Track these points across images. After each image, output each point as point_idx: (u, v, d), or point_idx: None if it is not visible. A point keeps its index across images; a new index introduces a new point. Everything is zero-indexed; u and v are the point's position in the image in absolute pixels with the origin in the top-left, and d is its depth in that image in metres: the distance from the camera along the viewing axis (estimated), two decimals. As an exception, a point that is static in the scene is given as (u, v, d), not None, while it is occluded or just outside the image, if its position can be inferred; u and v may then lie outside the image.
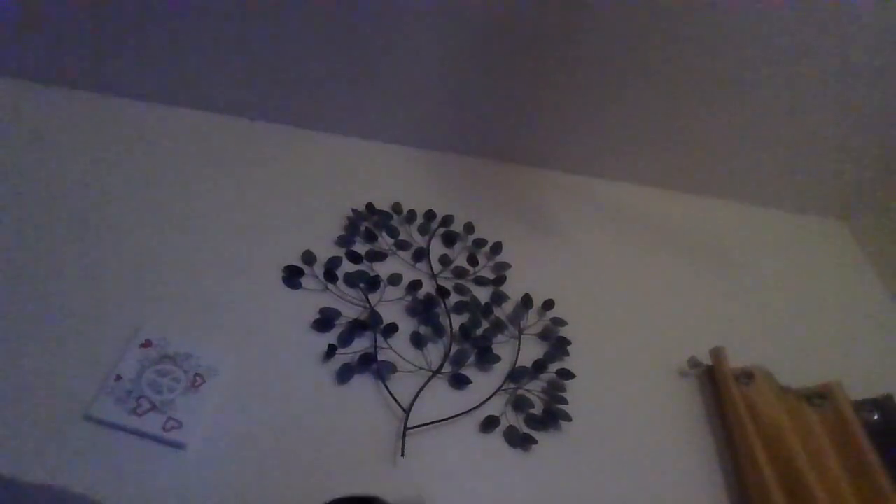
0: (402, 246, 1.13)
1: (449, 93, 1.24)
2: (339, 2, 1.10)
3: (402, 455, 0.86)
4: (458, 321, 1.03)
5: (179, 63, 1.21)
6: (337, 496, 0.56)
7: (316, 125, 1.30)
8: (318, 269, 1.06)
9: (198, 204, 1.12)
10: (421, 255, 1.12)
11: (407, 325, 1.01)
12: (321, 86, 1.23)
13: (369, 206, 1.18)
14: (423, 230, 1.18)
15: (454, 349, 0.99)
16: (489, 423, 0.91)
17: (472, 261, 1.13)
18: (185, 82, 1.24)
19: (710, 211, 1.36)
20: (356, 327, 0.98)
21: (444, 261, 1.12)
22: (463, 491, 0.86)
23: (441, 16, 1.11)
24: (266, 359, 0.93)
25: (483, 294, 1.09)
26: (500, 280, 1.11)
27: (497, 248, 1.16)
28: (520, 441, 0.91)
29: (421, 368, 0.96)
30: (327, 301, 1.02)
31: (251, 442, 0.84)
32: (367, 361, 0.94)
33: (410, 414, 0.90)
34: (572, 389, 0.98)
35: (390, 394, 0.92)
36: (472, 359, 0.99)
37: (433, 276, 1.10)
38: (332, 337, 0.97)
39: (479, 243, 1.17)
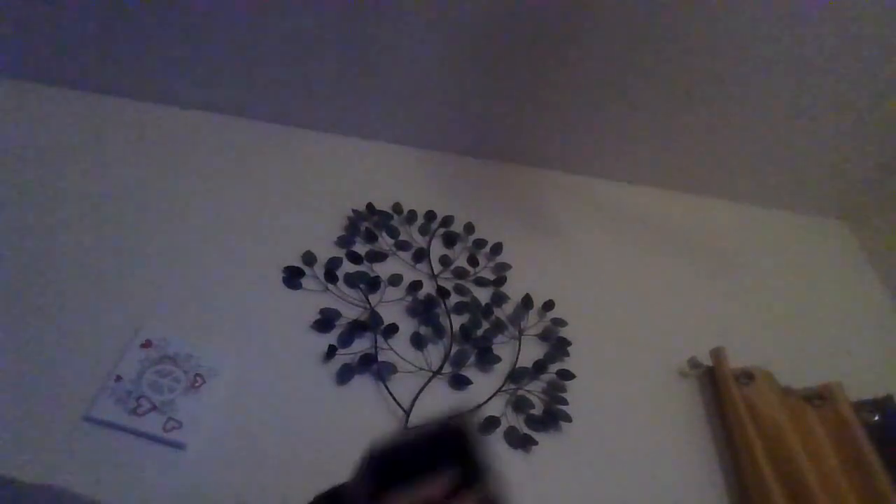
0: (402, 246, 1.13)
1: (449, 93, 1.24)
2: (339, 3, 1.10)
3: (403, 455, 0.86)
4: (458, 322, 1.03)
5: (179, 63, 1.21)
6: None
7: (316, 125, 1.30)
8: (319, 269, 1.06)
9: (198, 204, 1.12)
10: (421, 255, 1.12)
11: (407, 326, 1.01)
12: (322, 86, 1.23)
13: (369, 206, 1.18)
14: (423, 231, 1.18)
15: (454, 350, 0.99)
16: (489, 424, 0.91)
17: (473, 261, 1.13)
18: (184, 82, 1.25)
19: (710, 211, 1.36)
20: (356, 328, 0.98)
21: (445, 261, 1.12)
22: None
23: (441, 17, 1.11)
24: (266, 359, 0.93)
25: (483, 295, 1.09)
26: (500, 281, 1.11)
27: (497, 248, 1.16)
28: (520, 442, 0.91)
29: (421, 369, 0.96)
30: (327, 301, 1.02)
31: (251, 442, 0.84)
32: (368, 362, 0.94)
33: (411, 414, 0.90)
34: (572, 390, 0.98)
35: (391, 394, 0.92)
36: (472, 359, 0.99)
37: (433, 277, 1.10)
38: (332, 337, 0.97)
39: (480, 244, 1.17)
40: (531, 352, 1.02)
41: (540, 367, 1.00)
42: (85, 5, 1.13)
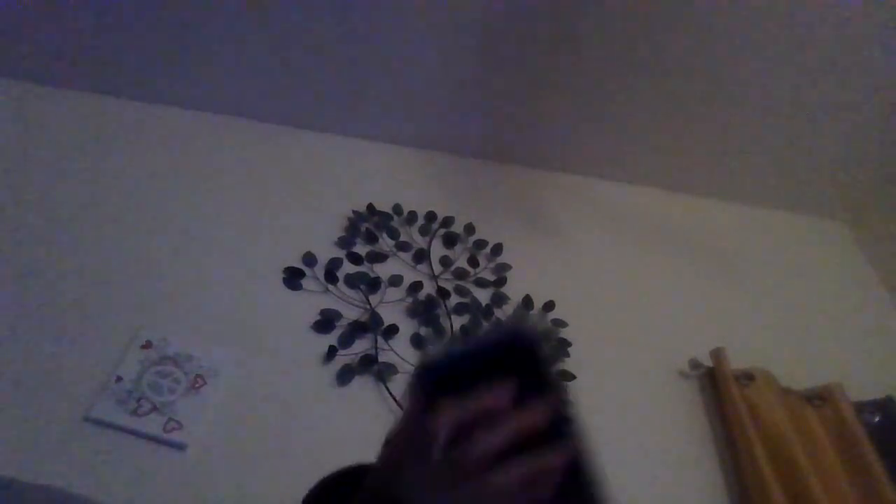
0: (402, 247, 1.13)
1: (449, 94, 1.24)
2: (340, 4, 1.10)
3: (403, 456, 0.85)
4: (458, 322, 1.03)
5: (180, 64, 1.21)
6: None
7: (317, 126, 1.30)
8: (319, 270, 1.06)
9: (198, 205, 1.12)
10: (421, 256, 1.12)
11: (408, 327, 1.01)
12: (322, 87, 1.23)
13: (370, 207, 1.18)
14: (423, 231, 1.17)
15: (455, 350, 0.99)
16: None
17: (473, 262, 1.13)
18: (185, 83, 1.24)
19: (711, 212, 1.36)
20: (357, 329, 0.98)
21: (445, 262, 1.12)
22: None
23: (441, 18, 1.11)
24: (267, 360, 0.93)
25: (484, 295, 1.08)
26: (500, 281, 1.11)
27: (498, 249, 1.16)
28: (520, 442, 0.91)
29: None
30: (328, 302, 1.02)
31: (251, 443, 0.84)
32: (368, 363, 0.94)
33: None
34: (573, 391, 0.98)
35: (391, 395, 0.92)
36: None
37: (434, 278, 1.10)
38: (332, 338, 0.97)
39: (480, 244, 1.17)
40: (531, 353, 1.02)
41: (540, 367, 0.99)
42: (85, 6, 1.13)
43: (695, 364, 1.04)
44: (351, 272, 1.07)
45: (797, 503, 0.84)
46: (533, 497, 0.38)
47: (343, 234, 1.13)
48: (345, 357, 0.95)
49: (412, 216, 1.19)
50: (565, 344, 1.04)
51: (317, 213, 1.15)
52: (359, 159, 1.29)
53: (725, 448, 0.96)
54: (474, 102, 1.25)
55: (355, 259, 1.09)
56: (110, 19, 1.15)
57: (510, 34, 1.13)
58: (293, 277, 1.04)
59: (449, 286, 1.08)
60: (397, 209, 1.19)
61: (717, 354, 1.03)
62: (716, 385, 1.02)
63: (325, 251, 1.09)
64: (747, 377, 0.99)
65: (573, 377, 0.99)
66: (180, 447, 0.81)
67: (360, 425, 0.88)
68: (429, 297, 1.06)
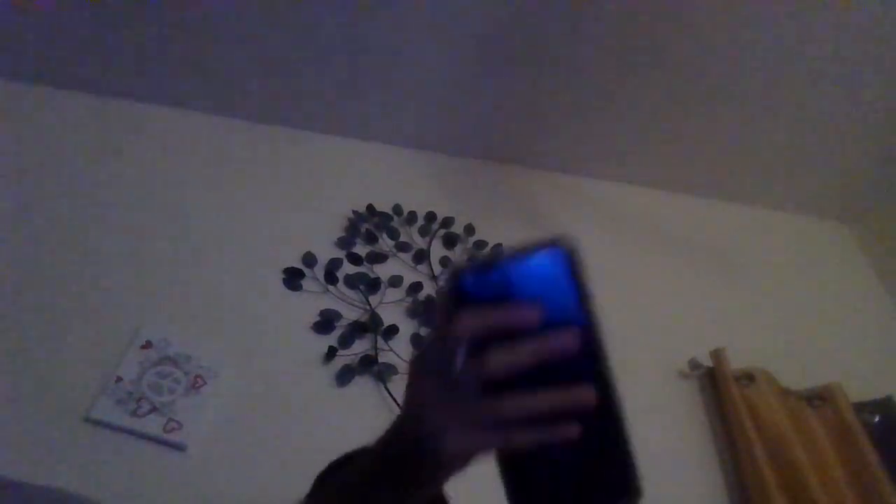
0: (402, 248, 1.13)
1: (449, 95, 1.24)
2: (340, 5, 1.11)
3: (403, 457, 0.85)
4: (458, 323, 1.03)
5: (180, 64, 1.21)
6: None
7: (317, 127, 1.30)
8: (319, 270, 1.06)
9: (198, 205, 1.12)
10: (421, 256, 1.12)
11: (407, 327, 1.01)
12: (322, 88, 1.23)
13: (370, 207, 1.18)
14: (423, 232, 1.17)
15: (455, 351, 0.99)
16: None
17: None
18: (185, 83, 1.25)
19: (711, 212, 1.36)
20: (357, 329, 0.98)
21: (445, 262, 1.12)
22: (467, 492, 0.86)
23: (441, 20, 1.11)
24: (266, 360, 0.93)
25: (483, 295, 1.08)
26: (500, 281, 1.11)
27: (498, 249, 1.16)
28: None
29: (421, 370, 0.96)
30: (328, 303, 1.02)
31: (251, 443, 0.84)
32: (368, 363, 0.94)
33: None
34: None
35: (391, 396, 0.92)
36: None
37: (434, 278, 1.10)
38: (332, 339, 0.97)
39: (480, 245, 1.17)
40: (531, 353, 1.02)
41: (540, 368, 0.99)
42: (86, 7, 1.13)
43: (695, 364, 1.04)
44: (351, 273, 1.07)
45: (796, 502, 0.84)
46: (550, 434, 0.36)
47: (343, 234, 1.13)
48: (345, 357, 0.95)
49: (412, 217, 1.19)
50: (565, 344, 1.03)
51: (317, 214, 1.15)
52: (359, 160, 1.29)
53: (725, 448, 0.96)
54: (474, 103, 1.25)
55: (355, 259, 1.09)
56: (110, 19, 1.15)
57: (510, 35, 1.13)
58: (293, 278, 1.04)
59: (449, 286, 1.08)
60: (397, 210, 1.19)
61: (717, 355, 1.02)
62: (716, 385, 1.02)
63: (325, 251, 1.09)
64: (747, 377, 0.99)
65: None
66: (180, 447, 0.81)
67: (359, 425, 0.88)
68: (429, 297, 1.06)
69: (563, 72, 1.18)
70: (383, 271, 1.08)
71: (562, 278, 0.38)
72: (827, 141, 1.26)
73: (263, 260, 1.05)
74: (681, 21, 1.09)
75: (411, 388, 0.40)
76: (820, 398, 0.98)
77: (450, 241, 1.16)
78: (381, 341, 0.98)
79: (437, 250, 1.15)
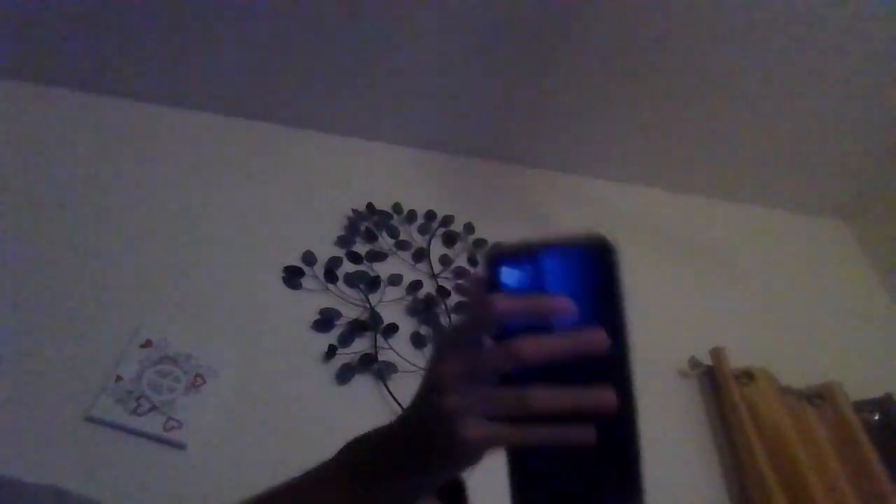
0: (402, 246, 1.13)
1: (449, 93, 1.24)
2: (340, 2, 1.10)
3: (403, 455, 0.85)
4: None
5: (179, 63, 1.21)
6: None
7: (317, 125, 1.30)
8: (319, 269, 1.06)
9: (198, 204, 1.12)
10: (421, 255, 1.12)
11: (407, 326, 1.01)
12: (321, 86, 1.23)
13: (369, 206, 1.18)
14: (423, 230, 1.18)
15: (454, 349, 0.99)
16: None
17: (473, 261, 1.13)
18: (185, 82, 1.24)
19: (710, 211, 1.36)
20: (356, 327, 0.98)
21: (445, 261, 1.12)
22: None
23: (442, 17, 1.11)
24: (266, 359, 0.93)
25: (483, 294, 1.08)
26: (500, 280, 1.11)
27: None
28: (520, 441, 0.91)
29: (421, 369, 0.96)
30: (327, 301, 1.02)
31: (251, 442, 0.84)
32: (368, 362, 0.94)
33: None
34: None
35: (391, 394, 0.92)
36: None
37: (433, 277, 1.10)
38: (332, 337, 0.97)
39: (480, 243, 1.17)
40: (531, 351, 1.02)
41: (540, 366, 0.99)
42: (85, 5, 1.13)
43: (694, 363, 1.04)
44: (350, 271, 1.07)
45: (796, 501, 0.84)
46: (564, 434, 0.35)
47: (343, 232, 1.13)
48: (344, 356, 0.95)
49: (412, 215, 1.19)
50: (565, 343, 1.03)
51: (316, 212, 1.15)
52: (358, 159, 1.29)
53: (725, 446, 0.96)
54: (474, 102, 1.25)
55: (355, 258, 1.09)
56: (111, 18, 1.15)
57: (509, 34, 1.13)
58: (293, 276, 1.04)
59: (449, 285, 1.08)
60: (397, 208, 1.19)
61: (716, 353, 1.03)
62: (715, 384, 1.02)
63: (325, 250, 1.09)
64: (747, 376, 0.99)
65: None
66: (180, 446, 0.81)
67: (359, 424, 0.88)
68: (428, 295, 1.06)
69: (563, 71, 1.18)
70: (383, 270, 1.08)
71: (597, 277, 0.38)
72: (827, 139, 1.26)
73: (263, 258, 1.05)
74: (679, 21, 1.09)
75: (433, 368, 0.39)
76: (820, 396, 0.98)
77: (449, 240, 1.16)
78: (380, 339, 0.98)
79: (437, 249, 1.15)
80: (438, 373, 0.38)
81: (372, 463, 0.43)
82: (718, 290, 1.20)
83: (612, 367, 0.37)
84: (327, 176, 1.24)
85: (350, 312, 1.01)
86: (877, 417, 0.97)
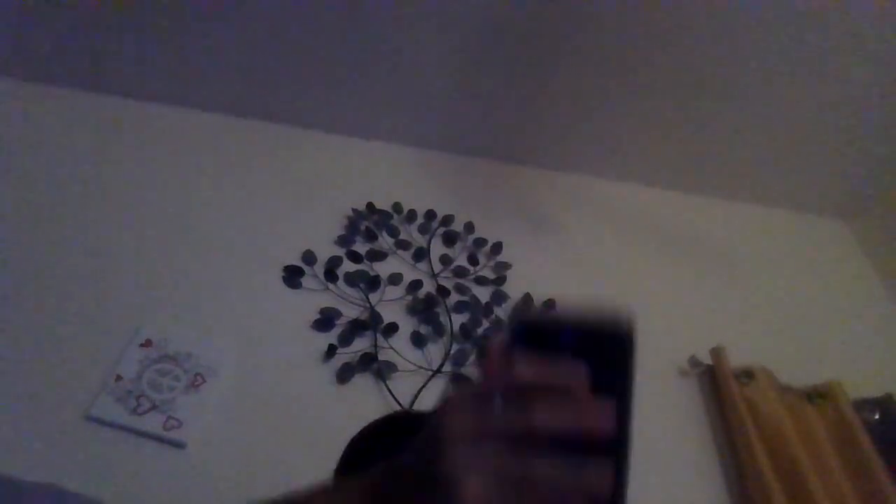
0: (402, 245, 1.13)
1: (450, 93, 1.24)
2: (339, 2, 1.11)
3: (403, 454, 0.85)
4: (458, 321, 1.03)
5: (179, 63, 1.21)
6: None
7: (316, 125, 1.30)
8: (319, 268, 1.06)
9: (197, 204, 1.12)
10: (421, 254, 1.12)
11: (407, 325, 1.01)
12: (322, 85, 1.23)
13: (369, 205, 1.18)
14: (423, 230, 1.18)
15: (455, 349, 0.99)
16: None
17: (473, 260, 1.13)
18: (184, 82, 1.25)
19: (710, 210, 1.36)
20: (356, 327, 0.98)
21: (445, 260, 1.13)
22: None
23: (442, 16, 1.11)
24: (266, 358, 0.93)
25: (483, 293, 1.08)
26: (500, 279, 1.11)
27: (497, 247, 1.16)
28: (520, 440, 0.91)
29: (421, 368, 0.96)
30: (328, 301, 1.02)
31: (251, 441, 0.84)
32: (368, 361, 0.94)
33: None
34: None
35: (391, 393, 0.92)
36: (472, 358, 0.99)
37: (433, 276, 1.10)
38: (332, 336, 0.97)
39: (480, 243, 1.17)
40: (531, 351, 1.02)
41: (540, 365, 0.99)
42: (85, 5, 1.13)
43: (694, 362, 1.04)
44: (350, 270, 1.07)
45: (796, 499, 0.84)
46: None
47: (343, 232, 1.13)
48: (344, 355, 0.95)
49: (412, 214, 1.19)
50: (565, 342, 1.03)
51: (316, 212, 1.16)
52: (358, 158, 1.29)
53: (725, 445, 0.96)
54: (475, 101, 1.25)
55: (355, 257, 1.09)
56: (110, 18, 1.15)
57: (510, 33, 1.13)
58: (293, 275, 1.04)
59: (449, 284, 1.08)
60: (397, 207, 1.19)
61: (716, 352, 1.03)
62: (715, 383, 1.02)
63: (325, 249, 1.09)
64: (747, 375, 0.99)
65: (573, 375, 0.99)
66: (180, 445, 0.81)
67: (359, 423, 0.88)
68: (428, 295, 1.06)
69: (562, 70, 1.18)
70: (383, 269, 1.09)
71: (612, 355, 0.38)
72: (827, 139, 1.26)
73: (263, 258, 1.06)
74: (679, 21, 1.09)
75: (443, 420, 0.39)
76: (820, 395, 0.98)
77: (449, 239, 1.16)
78: (380, 339, 0.98)
79: (437, 248, 1.15)
80: (447, 427, 0.38)
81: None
82: (718, 290, 1.20)
83: (612, 444, 0.37)
84: (327, 175, 1.24)
85: (350, 312, 1.01)
86: (877, 417, 0.97)
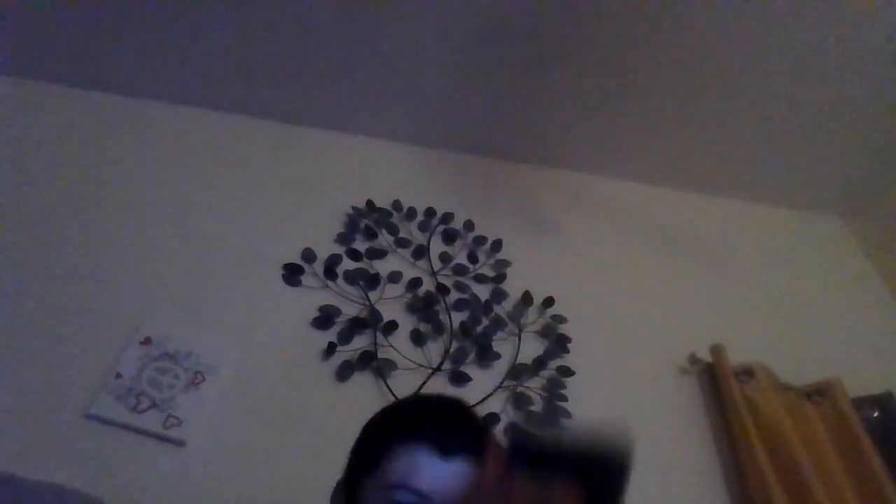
0: (402, 243, 1.13)
1: (449, 91, 1.24)
2: (342, 3, 1.10)
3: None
4: (458, 318, 1.03)
5: (179, 62, 1.21)
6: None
7: (317, 123, 1.30)
8: (318, 266, 1.06)
9: (197, 202, 1.12)
10: (421, 252, 1.12)
11: (407, 323, 1.01)
12: (322, 84, 1.23)
13: (369, 203, 1.18)
14: (423, 228, 1.17)
15: (454, 346, 0.99)
16: (489, 421, 0.91)
17: (472, 258, 1.13)
18: (185, 81, 1.24)
19: (710, 208, 1.36)
20: (356, 325, 0.98)
21: (444, 258, 1.12)
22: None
23: (442, 16, 1.11)
24: (266, 356, 0.93)
25: (483, 291, 1.08)
26: (500, 277, 1.11)
27: (497, 245, 1.16)
28: (520, 438, 0.91)
29: (421, 366, 0.96)
30: (327, 299, 1.02)
31: (251, 439, 0.84)
32: (368, 359, 0.94)
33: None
34: (572, 387, 0.98)
35: (390, 391, 0.92)
36: (472, 356, 0.99)
37: (433, 274, 1.10)
38: (332, 334, 0.97)
39: (479, 241, 1.17)
40: (531, 348, 1.02)
41: (540, 363, 1.00)
42: (84, 5, 1.13)
43: (694, 360, 1.04)
44: (350, 268, 1.07)
45: (795, 497, 0.85)
46: None
47: (342, 230, 1.13)
48: (344, 353, 0.95)
49: (412, 212, 1.19)
50: (565, 340, 1.04)
51: (316, 210, 1.15)
52: (359, 156, 1.29)
53: (725, 443, 0.96)
54: (474, 100, 1.25)
55: (355, 255, 1.09)
56: (110, 18, 1.15)
57: (510, 33, 1.13)
58: (292, 274, 1.04)
59: (448, 282, 1.08)
60: (397, 205, 1.19)
61: (716, 350, 1.03)
62: (715, 380, 1.02)
63: (325, 247, 1.09)
64: (747, 373, 0.99)
65: (572, 373, 0.99)
66: (180, 443, 0.81)
67: (359, 420, 0.88)
68: (428, 293, 1.06)
69: (561, 70, 1.18)
70: (383, 267, 1.08)
71: (605, 478, 0.41)
72: (824, 137, 1.26)
73: (263, 256, 1.05)
74: (678, 21, 1.09)
75: None
76: (819, 393, 0.98)
77: (449, 237, 1.16)
78: (380, 337, 0.98)
79: (437, 246, 1.15)
80: None
81: None
82: (718, 288, 1.20)
83: None
84: (327, 173, 1.24)
85: (350, 310, 1.01)
86: (876, 414, 0.97)
